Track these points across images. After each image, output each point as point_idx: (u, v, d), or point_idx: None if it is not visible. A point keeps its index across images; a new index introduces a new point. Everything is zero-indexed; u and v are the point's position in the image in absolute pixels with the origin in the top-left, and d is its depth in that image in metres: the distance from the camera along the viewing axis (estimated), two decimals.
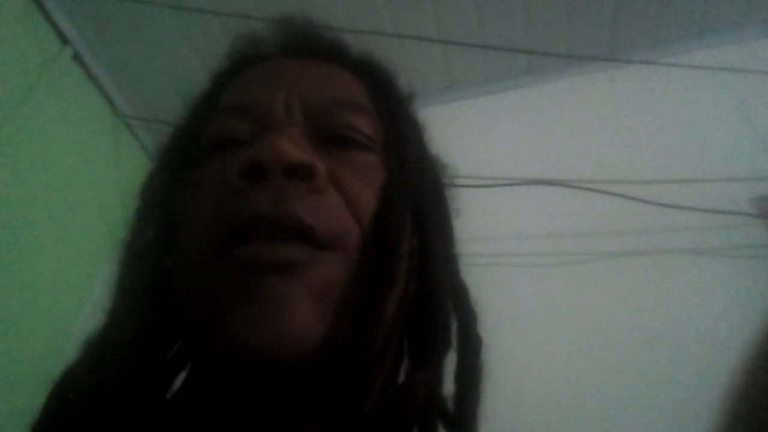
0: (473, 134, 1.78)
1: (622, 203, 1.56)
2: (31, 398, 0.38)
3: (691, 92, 1.79)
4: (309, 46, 0.49)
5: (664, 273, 1.50)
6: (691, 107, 1.77)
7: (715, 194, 1.54)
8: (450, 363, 0.41)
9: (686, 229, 1.53)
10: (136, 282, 0.39)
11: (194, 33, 1.76)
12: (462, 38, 1.81)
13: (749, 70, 1.71)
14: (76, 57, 1.73)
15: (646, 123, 1.77)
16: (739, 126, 1.71)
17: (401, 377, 0.42)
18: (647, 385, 1.35)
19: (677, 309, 1.44)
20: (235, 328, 0.33)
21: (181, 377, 0.42)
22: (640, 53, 1.86)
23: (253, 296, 0.33)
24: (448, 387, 0.41)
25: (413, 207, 0.42)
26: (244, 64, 0.48)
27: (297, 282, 0.33)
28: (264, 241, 0.34)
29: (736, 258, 1.49)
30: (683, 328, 1.41)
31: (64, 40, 1.69)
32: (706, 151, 1.67)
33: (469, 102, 1.94)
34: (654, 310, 1.44)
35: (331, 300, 0.34)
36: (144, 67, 1.85)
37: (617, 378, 1.36)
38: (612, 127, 1.78)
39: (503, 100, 1.94)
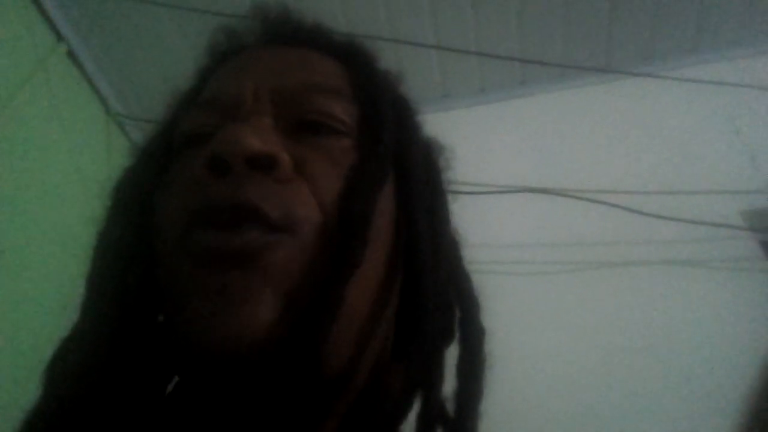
0: (468, 143, 1.79)
1: (614, 213, 1.57)
2: (19, 397, 0.37)
3: (683, 106, 1.81)
4: (286, 33, 0.48)
5: (654, 283, 1.51)
6: (683, 121, 1.79)
7: (705, 207, 1.56)
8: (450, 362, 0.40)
9: (676, 240, 1.54)
10: (108, 282, 0.38)
11: (188, 32, 1.76)
12: (458, 47, 1.82)
13: (741, 85, 1.74)
14: (70, 54, 1.72)
15: (638, 135, 1.79)
16: (729, 140, 1.73)
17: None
18: (638, 393, 1.35)
19: (668, 319, 1.45)
20: (192, 323, 0.32)
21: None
22: (633, 66, 1.88)
23: (208, 290, 0.32)
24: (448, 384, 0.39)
25: (400, 190, 0.41)
26: (222, 57, 0.48)
27: (253, 271, 0.32)
28: (216, 230, 0.33)
29: (724, 270, 1.50)
30: (673, 337, 1.42)
31: (59, 37, 1.68)
32: (697, 164, 1.69)
33: (465, 111, 1.95)
34: (644, 319, 1.45)
35: (289, 287, 0.33)
36: (137, 66, 1.84)
37: (608, 387, 1.37)
38: (605, 138, 1.80)
39: (498, 110, 1.95)
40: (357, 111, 0.42)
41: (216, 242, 0.33)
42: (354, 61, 0.46)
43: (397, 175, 0.42)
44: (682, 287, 1.49)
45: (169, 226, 0.36)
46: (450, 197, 0.48)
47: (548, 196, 1.63)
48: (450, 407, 0.38)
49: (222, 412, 0.35)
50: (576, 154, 1.77)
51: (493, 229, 1.56)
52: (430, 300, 0.39)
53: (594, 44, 1.89)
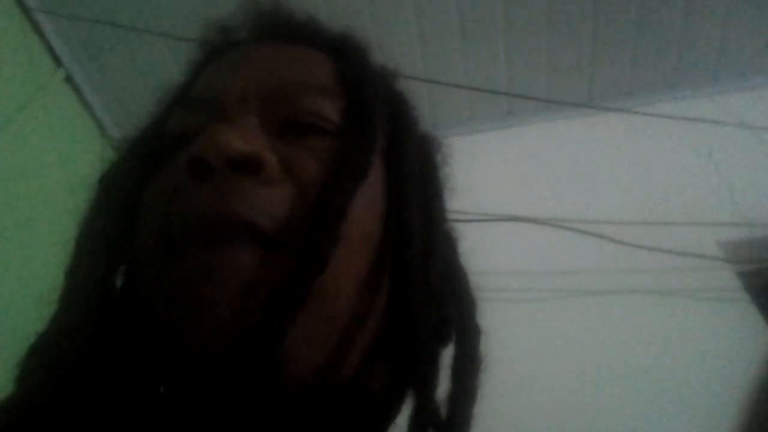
0: (454, 171, 1.83)
1: (596, 243, 1.60)
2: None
3: (663, 141, 1.87)
4: (277, 29, 0.46)
5: (633, 312, 1.53)
6: (662, 154, 1.85)
7: (684, 238, 1.60)
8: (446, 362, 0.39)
9: (655, 270, 1.57)
10: (88, 275, 0.37)
11: (184, 60, 1.79)
12: (447, 79, 1.88)
13: (717, 122, 1.80)
14: (69, 79, 1.77)
15: (620, 167, 1.84)
16: (707, 174, 1.78)
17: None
18: (615, 421, 1.37)
19: (646, 348, 1.47)
20: (164, 332, 0.32)
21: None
22: (614, 101, 1.94)
23: (183, 300, 0.31)
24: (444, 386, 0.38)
25: (391, 185, 0.39)
26: (213, 54, 0.46)
27: (227, 282, 0.31)
28: (200, 249, 0.32)
29: (703, 300, 1.53)
30: (652, 366, 1.44)
31: (58, 63, 1.73)
32: (677, 197, 1.73)
33: (452, 140, 1.99)
34: (623, 348, 1.47)
35: (262, 290, 0.32)
36: (134, 92, 1.88)
37: (587, 414, 1.38)
38: (588, 169, 1.85)
39: (485, 140, 2.00)
40: (346, 107, 0.40)
41: (198, 263, 0.31)
42: (345, 55, 0.44)
43: (389, 170, 0.40)
44: (661, 317, 1.52)
45: (148, 236, 0.35)
46: (446, 194, 0.46)
47: (532, 224, 1.66)
48: (444, 408, 0.36)
49: (194, 415, 0.34)
50: (560, 184, 1.82)
51: (478, 256, 1.58)
52: (419, 299, 0.37)
53: (576, 80, 1.95)
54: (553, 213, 1.67)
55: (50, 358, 0.34)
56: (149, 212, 0.36)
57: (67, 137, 1.69)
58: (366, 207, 0.36)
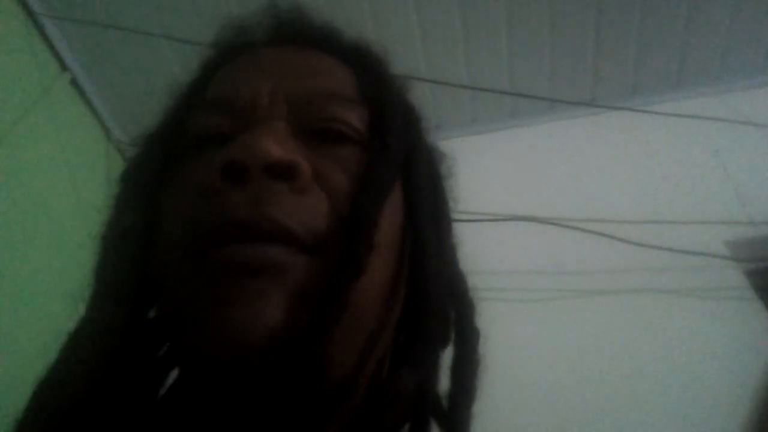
0: (458, 171, 1.82)
1: (601, 242, 1.60)
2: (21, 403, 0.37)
3: (669, 139, 1.86)
4: (297, 33, 0.46)
5: (640, 311, 1.53)
6: (669, 153, 1.84)
7: (691, 237, 1.59)
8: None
9: (662, 269, 1.57)
10: (116, 272, 0.37)
11: (189, 63, 1.80)
12: (450, 80, 1.88)
13: (723, 120, 1.79)
14: (74, 82, 1.77)
15: (625, 166, 1.84)
16: (714, 172, 1.78)
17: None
18: (621, 420, 1.36)
19: (653, 347, 1.47)
20: (202, 331, 0.32)
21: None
22: (619, 100, 1.93)
23: (225, 300, 0.32)
24: (443, 385, 0.39)
25: (406, 195, 0.40)
26: (230, 53, 0.46)
27: (272, 285, 0.32)
28: (239, 244, 0.32)
29: (709, 299, 1.53)
30: (658, 365, 1.43)
31: (63, 66, 1.74)
32: (683, 195, 1.73)
33: (456, 141, 1.99)
34: (630, 347, 1.47)
35: (301, 295, 0.32)
36: (139, 95, 1.88)
37: (593, 413, 1.38)
38: (593, 168, 1.84)
39: (489, 140, 2.00)
40: (368, 118, 0.41)
41: (238, 254, 0.32)
42: (364, 66, 0.45)
43: (404, 181, 0.41)
44: (668, 315, 1.52)
45: (181, 235, 0.35)
46: (451, 203, 0.47)
47: (537, 224, 1.66)
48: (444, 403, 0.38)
49: (222, 414, 0.34)
50: (564, 183, 1.81)
51: (481, 256, 1.58)
52: (435, 306, 0.38)
53: (580, 79, 1.95)
54: (558, 212, 1.67)
55: (83, 360, 0.35)
56: (177, 212, 0.36)
57: (72, 140, 1.70)
58: (390, 216, 0.37)
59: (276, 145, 0.34)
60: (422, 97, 1.99)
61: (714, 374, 1.39)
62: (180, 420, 0.37)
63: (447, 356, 0.40)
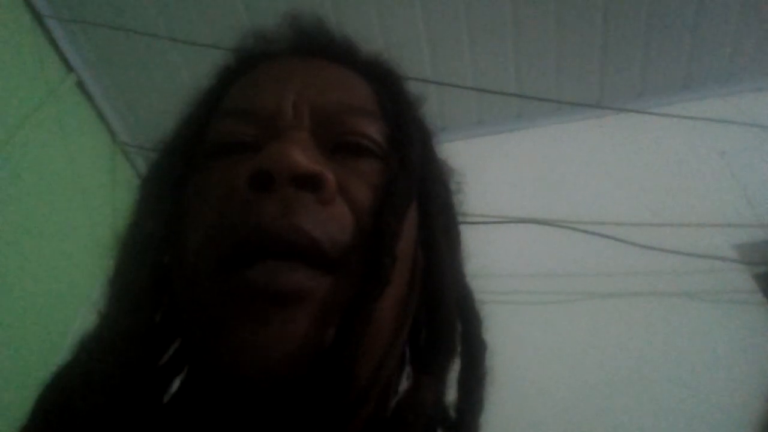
0: (465, 173, 1.82)
1: (609, 245, 1.59)
2: (27, 404, 0.37)
3: (676, 141, 1.85)
4: (318, 45, 0.47)
5: (648, 314, 1.52)
6: (676, 155, 1.83)
7: (699, 240, 1.58)
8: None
9: (670, 272, 1.56)
10: (134, 277, 0.38)
11: (195, 66, 1.81)
12: (456, 81, 1.87)
13: (731, 122, 1.78)
14: (80, 84, 1.77)
15: (632, 168, 1.83)
16: (721, 175, 1.77)
17: (403, 384, 0.41)
18: (629, 424, 1.35)
19: (661, 350, 1.46)
20: (230, 349, 0.32)
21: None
22: (626, 102, 1.92)
23: (253, 321, 0.32)
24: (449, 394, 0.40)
25: (420, 210, 0.41)
26: (251, 62, 0.46)
27: (299, 310, 0.32)
28: (268, 264, 0.32)
29: (718, 302, 1.52)
30: (667, 368, 1.42)
31: (69, 68, 1.74)
32: (690, 198, 1.72)
33: (462, 143, 1.99)
34: (638, 350, 1.46)
35: (326, 314, 0.33)
36: (144, 98, 1.89)
37: (600, 416, 1.37)
38: (600, 171, 1.83)
39: (495, 142, 1.99)
40: (387, 132, 0.42)
41: (268, 283, 0.32)
42: (383, 81, 0.46)
43: (419, 196, 0.42)
44: (676, 319, 1.51)
45: (208, 241, 0.35)
46: (460, 218, 0.48)
47: (542, 226, 1.65)
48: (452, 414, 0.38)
49: (234, 425, 0.35)
50: (571, 186, 1.80)
51: (487, 259, 1.58)
52: (448, 317, 0.39)
53: (587, 80, 1.94)
54: (565, 215, 1.66)
55: (99, 365, 0.35)
56: (202, 217, 0.37)
57: (78, 142, 1.70)
58: (406, 230, 0.38)
59: (303, 155, 0.35)
60: (428, 99, 1.98)
61: (722, 378, 1.38)
62: (184, 425, 0.37)
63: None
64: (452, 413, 0.38)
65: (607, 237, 1.59)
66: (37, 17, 1.64)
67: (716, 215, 1.64)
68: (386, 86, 0.46)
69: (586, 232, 1.62)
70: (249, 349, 0.32)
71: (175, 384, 0.40)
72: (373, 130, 0.41)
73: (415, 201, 0.41)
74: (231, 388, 0.33)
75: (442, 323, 0.38)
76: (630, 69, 1.93)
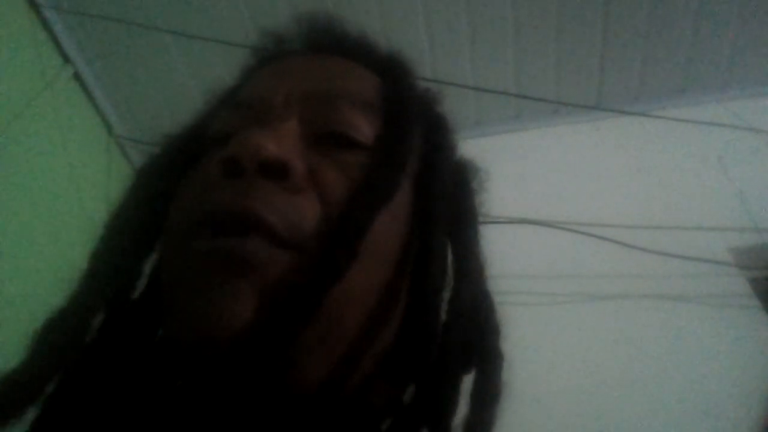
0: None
1: (605, 246, 1.59)
2: None
3: (673, 144, 1.85)
4: (330, 42, 0.47)
5: (643, 317, 1.52)
6: (673, 159, 1.83)
7: (694, 243, 1.59)
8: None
9: (666, 275, 1.56)
10: (113, 257, 0.39)
11: (192, 58, 1.80)
12: (455, 81, 1.87)
13: (728, 126, 1.79)
14: (76, 76, 1.76)
15: (629, 171, 1.83)
16: (718, 179, 1.77)
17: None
18: (624, 426, 1.35)
19: (656, 353, 1.46)
20: (174, 316, 0.34)
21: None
22: (625, 105, 1.93)
23: (202, 289, 0.33)
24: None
25: (420, 209, 0.40)
26: (263, 61, 0.47)
27: (245, 281, 0.32)
28: (219, 237, 0.33)
29: (713, 306, 1.52)
30: (661, 371, 1.43)
31: (66, 59, 1.73)
32: (687, 201, 1.72)
33: (461, 143, 1.98)
34: (633, 353, 1.46)
35: (277, 292, 0.32)
36: (141, 90, 1.88)
37: (596, 418, 1.37)
38: (597, 172, 1.84)
39: (493, 143, 1.99)
40: (382, 124, 0.40)
41: (216, 247, 0.33)
42: (390, 75, 0.45)
43: (419, 193, 0.40)
44: (672, 322, 1.51)
45: (176, 222, 0.37)
46: (480, 221, 0.45)
47: (540, 227, 1.65)
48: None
49: (200, 410, 0.35)
50: (569, 187, 1.80)
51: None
52: (433, 324, 0.37)
53: (586, 82, 1.94)
54: (561, 216, 1.66)
55: (63, 339, 0.36)
56: (180, 203, 0.38)
57: (74, 134, 1.69)
58: (389, 227, 0.37)
59: (273, 142, 0.35)
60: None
61: (717, 381, 1.38)
62: (171, 416, 0.37)
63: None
64: (461, 429, 0.36)
65: (603, 239, 1.59)
66: (35, 7, 1.63)
67: (712, 219, 1.64)
68: (393, 80, 0.44)
69: (582, 233, 1.62)
70: (193, 319, 0.32)
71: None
72: (363, 122, 0.40)
73: (411, 197, 0.40)
74: (177, 354, 0.35)
75: (425, 331, 0.36)
76: (629, 72, 1.93)
